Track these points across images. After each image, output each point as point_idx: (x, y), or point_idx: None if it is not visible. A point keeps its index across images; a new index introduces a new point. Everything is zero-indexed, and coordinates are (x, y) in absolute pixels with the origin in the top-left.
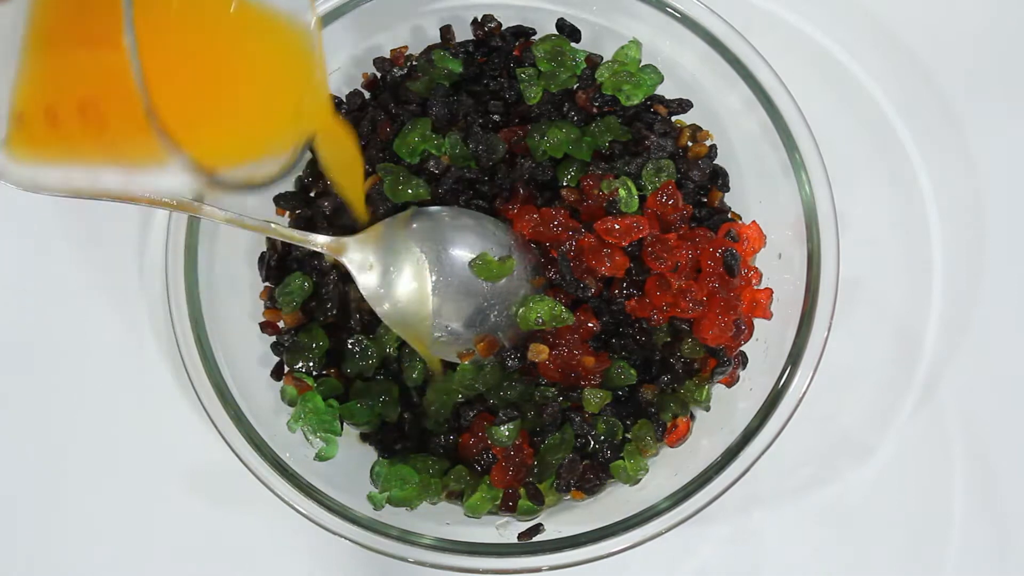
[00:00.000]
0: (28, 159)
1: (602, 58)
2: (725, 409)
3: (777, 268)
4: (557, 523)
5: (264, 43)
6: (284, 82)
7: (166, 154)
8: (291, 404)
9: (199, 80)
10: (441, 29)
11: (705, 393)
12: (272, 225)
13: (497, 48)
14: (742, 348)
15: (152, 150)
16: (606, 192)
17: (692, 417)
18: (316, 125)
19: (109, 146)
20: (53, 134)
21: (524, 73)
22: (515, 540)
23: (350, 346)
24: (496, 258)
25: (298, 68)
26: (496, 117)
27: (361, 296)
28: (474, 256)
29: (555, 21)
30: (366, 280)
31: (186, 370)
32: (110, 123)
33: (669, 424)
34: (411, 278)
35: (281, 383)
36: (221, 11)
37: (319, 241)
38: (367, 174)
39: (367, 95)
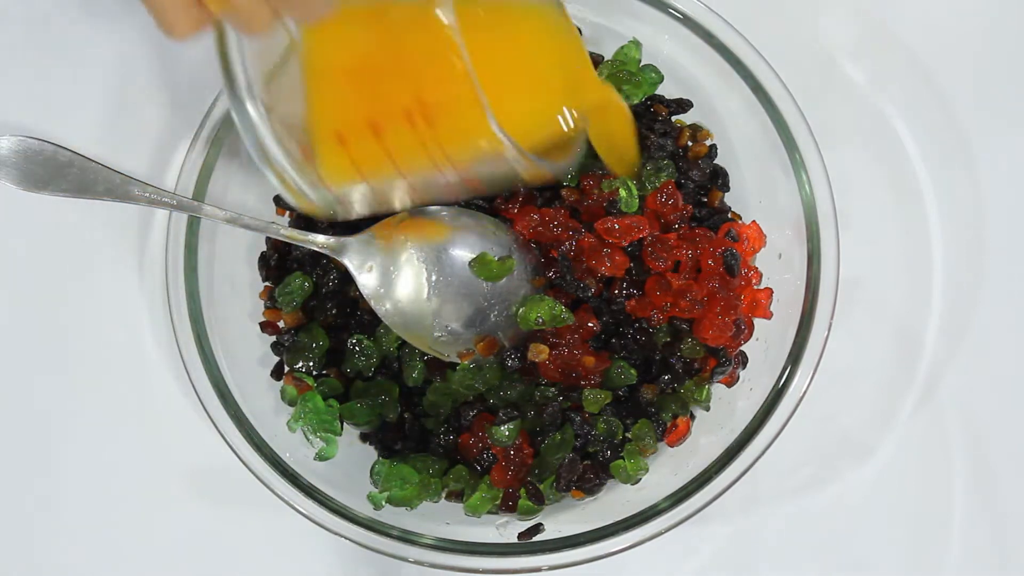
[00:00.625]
0: (341, 180)
1: (603, 58)
2: (725, 409)
3: (777, 268)
4: (557, 523)
5: (532, 28)
6: (555, 59)
7: (501, 144)
8: (291, 404)
9: (500, 72)
10: None
11: (705, 393)
12: (272, 225)
13: None
14: (742, 348)
15: (486, 143)
16: (606, 192)
17: (692, 417)
18: (591, 96)
19: (434, 150)
20: (372, 148)
21: None
22: (515, 540)
23: (350, 346)
24: (496, 258)
25: (563, 44)
26: None
27: (361, 296)
28: (474, 256)
29: None
30: (366, 280)
31: (186, 370)
32: (440, 128)
33: (669, 424)
34: (411, 278)
35: (281, 383)
36: (501, 7)
37: (319, 241)
38: None
39: None
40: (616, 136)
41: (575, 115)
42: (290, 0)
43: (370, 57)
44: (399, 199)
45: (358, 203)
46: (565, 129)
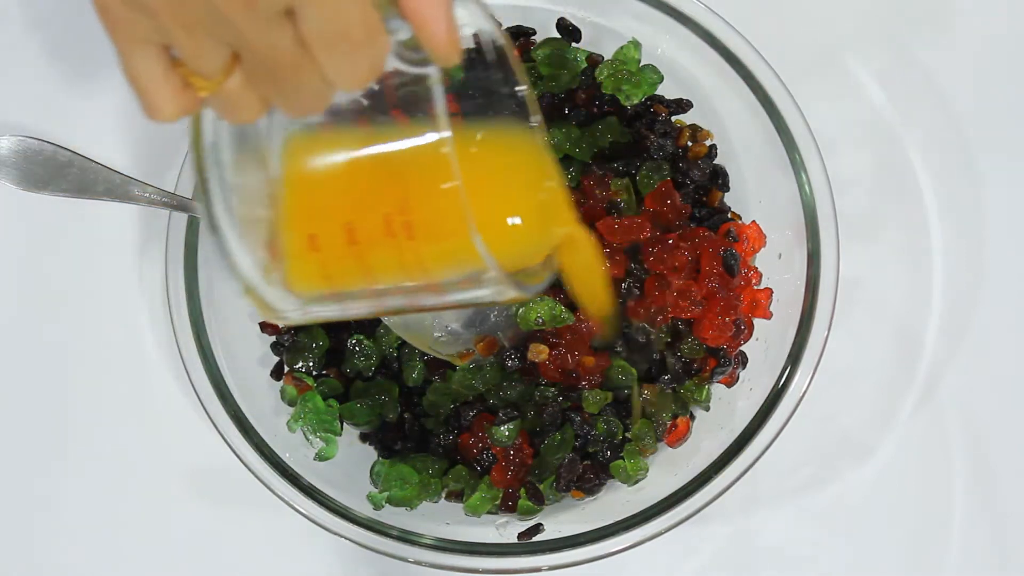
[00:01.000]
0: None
1: (602, 58)
2: (725, 409)
3: (777, 268)
4: (557, 523)
5: (519, 159)
6: (531, 185)
7: (482, 264)
8: (291, 404)
9: (487, 196)
10: None
11: (705, 393)
12: None
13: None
14: (742, 348)
15: (466, 263)
16: (615, 191)
17: (692, 417)
18: (562, 225)
19: (411, 263)
20: (346, 255)
21: (526, 69)
22: (515, 540)
23: (350, 346)
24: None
25: (538, 170)
26: None
27: None
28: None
29: (555, 21)
30: None
31: (186, 370)
32: (421, 242)
33: (669, 424)
34: None
35: (281, 383)
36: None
37: None
38: None
39: None
40: (586, 274)
41: (551, 245)
42: (284, 92)
43: (356, 161)
44: (365, 311)
45: (322, 311)
46: (541, 258)
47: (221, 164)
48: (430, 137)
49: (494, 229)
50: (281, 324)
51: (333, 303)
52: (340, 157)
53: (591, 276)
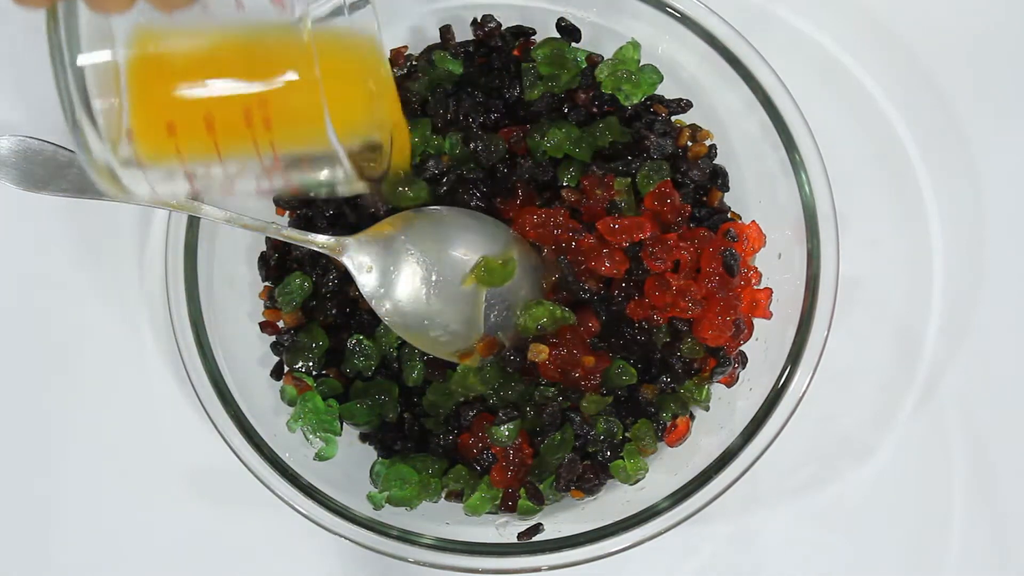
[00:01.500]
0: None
1: (602, 58)
2: (725, 409)
3: (777, 268)
4: (557, 523)
5: (361, 55)
6: (367, 81)
7: (332, 148)
8: (291, 404)
9: (336, 87)
10: (441, 29)
11: (705, 393)
12: (272, 225)
13: (497, 48)
14: (742, 348)
15: (318, 147)
16: (619, 190)
17: (692, 417)
18: (390, 116)
19: (263, 147)
20: (202, 140)
21: (528, 67)
22: (515, 540)
23: (350, 346)
24: (499, 262)
25: (373, 67)
26: (495, 116)
27: (361, 296)
28: (475, 263)
29: (555, 21)
30: (366, 280)
31: (186, 370)
32: (277, 129)
33: (669, 424)
34: (411, 278)
35: (281, 383)
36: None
37: (319, 241)
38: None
39: None
40: (402, 146)
41: (382, 131)
42: None
43: (218, 53)
44: (214, 188)
45: (164, 184)
46: (376, 141)
47: (74, 56)
48: (294, 32)
49: (340, 117)
50: (130, 203)
51: (181, 181)
52: (202, 49)
53: (404, 148)
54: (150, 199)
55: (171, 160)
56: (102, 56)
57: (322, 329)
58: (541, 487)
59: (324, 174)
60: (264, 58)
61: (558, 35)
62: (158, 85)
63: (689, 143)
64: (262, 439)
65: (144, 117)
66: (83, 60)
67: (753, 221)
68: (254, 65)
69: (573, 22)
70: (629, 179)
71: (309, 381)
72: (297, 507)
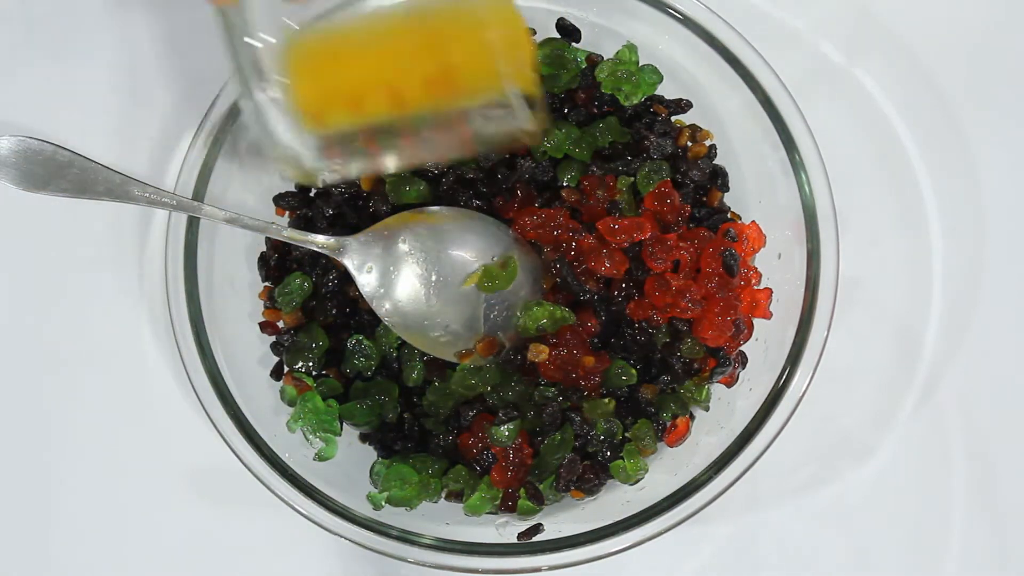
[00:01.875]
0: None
1: (602, 58)
2: (725, 409)
3: (777, 268)
4: (557, 523)
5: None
6: (518, 27)
7: (510, 100)
8: (291, 404)
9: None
10: None
11: (705, 393)
12: (272, 225)
13: None
14: (742, 348)
15: (498, 100)
16: (620, 190)
17: (692, 417)
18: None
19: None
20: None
21: None
22: (515, 540)
23: (350, 346)
24: (500, 268)
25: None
26: None
27: (361, 296)
28: (476, 266)
29: (555, 21)
30: (366, 280)
31: (186, 370)
32: (459, 90)
33: (669, 424)
34: (410, 278)
35: (281, 383)
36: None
37: (319, 241)
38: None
39: None
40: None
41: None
42: None
43: (401, 29)
44: (391, 150)
45: (343, 153)
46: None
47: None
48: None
49: (514, 72)
50: (319, 184)
51: (362, 159)
52: (385, 24)
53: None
54: (329, 179)
55: (352, 120)
56: (278, 37)
57: (322, 329)
58: (541, 487)
59: (503, 121)
60: (443, 26)
61: (558, 35)
62: (338, 62)
63: (689, 143)
64: (262, 439)
65: (333, 88)
66: (264, 41)
67: (753, 221)
68: (434, 34)
69: (573, 22)
70: (631, 179)
71: (309, 381)
72: (297, 507)
